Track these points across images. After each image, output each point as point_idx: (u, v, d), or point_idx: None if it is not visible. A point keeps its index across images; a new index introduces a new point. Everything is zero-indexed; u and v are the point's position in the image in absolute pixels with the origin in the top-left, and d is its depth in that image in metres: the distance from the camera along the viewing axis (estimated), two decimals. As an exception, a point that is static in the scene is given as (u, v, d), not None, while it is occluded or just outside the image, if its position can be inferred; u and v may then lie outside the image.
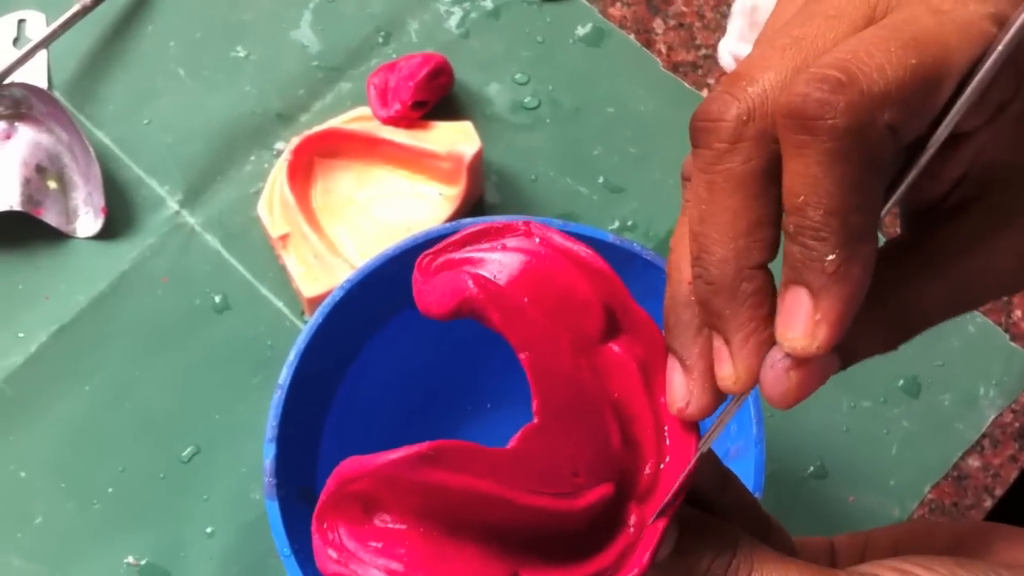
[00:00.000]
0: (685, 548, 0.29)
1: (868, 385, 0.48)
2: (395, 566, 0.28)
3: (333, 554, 0.28)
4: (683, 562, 0.29)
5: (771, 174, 0.24)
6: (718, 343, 0.26)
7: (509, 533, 0.28)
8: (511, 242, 0.31)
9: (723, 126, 0.24)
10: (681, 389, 0.28)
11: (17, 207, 0.50)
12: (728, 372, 0.26)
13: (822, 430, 0.48)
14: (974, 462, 0.47)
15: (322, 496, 0.29)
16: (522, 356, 0.28)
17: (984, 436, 0.48)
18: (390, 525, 0.28)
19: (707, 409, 0.27)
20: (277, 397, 0.38)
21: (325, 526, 0.29)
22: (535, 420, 0.29)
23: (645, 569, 0.28)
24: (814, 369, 0.25)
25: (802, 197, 0.23)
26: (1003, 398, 0.48)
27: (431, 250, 0.31)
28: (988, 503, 0.47)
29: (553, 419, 0.29)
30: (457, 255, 0.31)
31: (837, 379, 0.49)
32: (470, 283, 0.29)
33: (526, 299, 0.29)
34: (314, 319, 0.39)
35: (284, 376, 0.38)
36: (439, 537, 0.28)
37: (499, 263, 0.30)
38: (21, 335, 0.49)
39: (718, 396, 0.27)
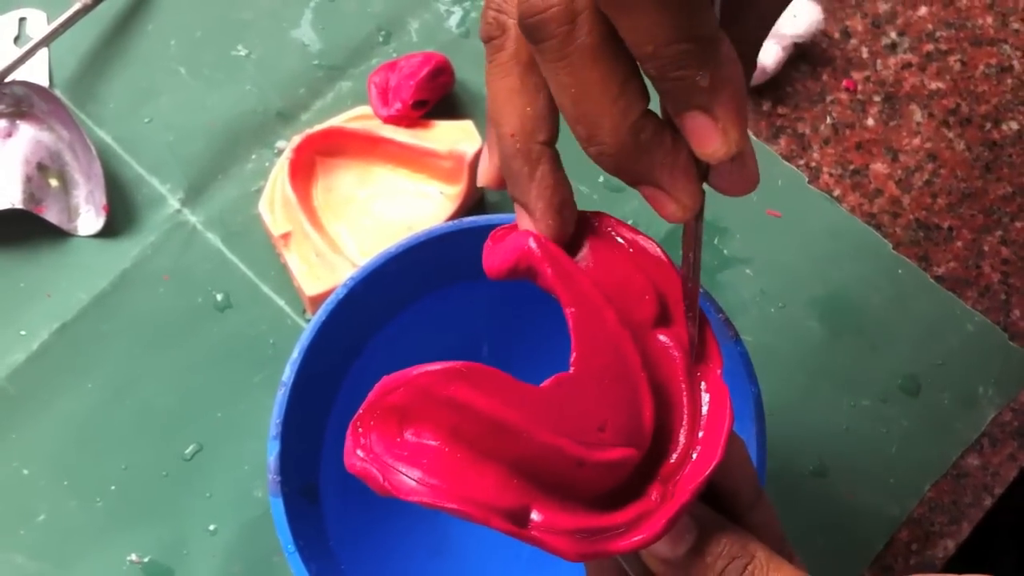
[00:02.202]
0: (703, 548, 0.29)
1: (868, 384, 0.49)
2: (414, 473, 0.29)
3: (360, 453, 0.29)
4: (700, 561, 0.29)
5: (614, 34, 0.25)
6: (650, 191, 0.28)
7: (530, 470, 0.29)
8: (582, 226, 0.32)
9: (555, 11, 0.25)
10: (530, 229, 0.30)
11: (18, 205, 0.50)
12: (689, 191, 0.28)
13: (822, 429, 0.48)
14: (973, 461, 0.48)
15: (362, 404, 0.30)
16: (568, 311, 0.30)
17: (983, 435, 0.48)
18: (419, 439, 0.29)
19: (555, 239, 0.30)
20: (281, 394, 0.38)
21: (360, 430, 0.30)
22: (571, 370, 0.30)
23: (659, 534, 0.29)
24: (743, 155, 0.27)
25: (651, 46, 0.24)
26: (1002, 397, 0.49)
27: (506, 225, 0.33)
28: (988, 502, 0.47)
29: (588, 374, 0.30)
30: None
31: (837, 379, 0.49)
32: (531, 241, 0.30)
33: (585, 275, 0.31)
34: (317, 317, 0.39)
35: (288, 374, 0.38)
36: (463, 458, 0.29)
37: (568, 244, 0.31)
38: (23, 333, 0.49)
39: (562, 230, 0.30)
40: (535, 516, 0.29)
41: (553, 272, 0.30)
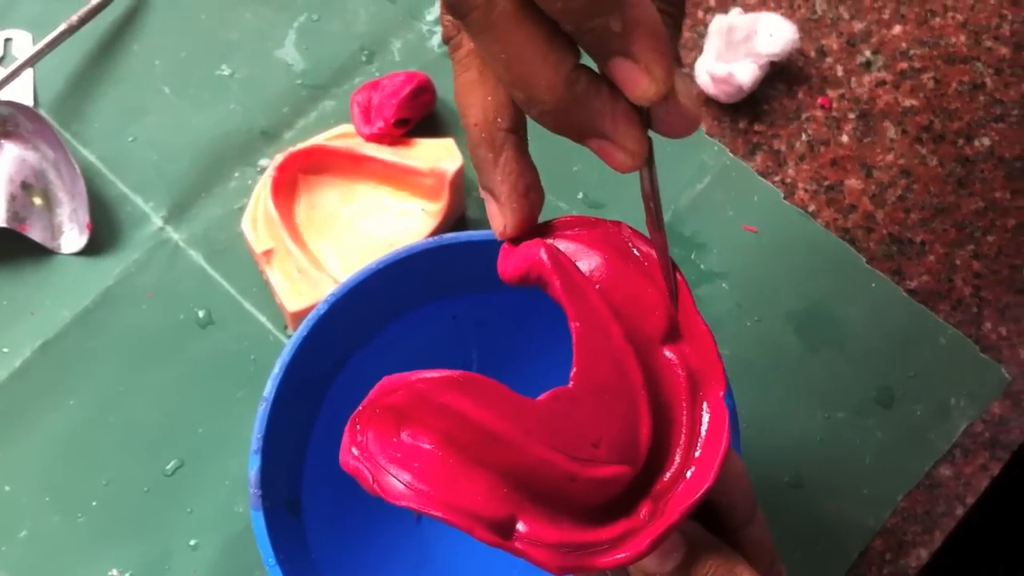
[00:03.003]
0: (689, 567, 0.30)
1: (842, 396, 0.49)
2: (405, 476, 0.29)
3: (355, 451, 0.30)
4: None
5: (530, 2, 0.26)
6: (596, 143, 0.28)
7: (521, 480, 0.29)
8: (598, 236, 0.32)
9: None
10: (497, 217, 0.31)
11: (2, 223, 0.50)
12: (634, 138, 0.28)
13: (797, 441, 0.48)
14: (946, 471, 0.48)
15: (363, 401, 0.30)
16: (573, 325, 0.30)
17: (956, 446, 0.49)
18: (414, 441, 0.30)
19: (521, 225, 0.31)
20: (262, 409, 0.39)
21: (357, 427, 0.30)
22: (570, 385, 0.30)
23: (643, 553, 0.29)
24: (676, 94, 0.28)
25: (559, 2, 0.25)
26: (974, 408, 0.49)
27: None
28: (960, 511, 0.48)
29: (587, 390, 0.30)
30: (546, 236, 0.33)
31: (812, 391, 0.50)
32: (543, 252, 0.31)
33: (597, 286, 0.31)
34: (299, 332, 0.40)
35: (269, 389, 0.39)
36: (455, 464, 0.29)
37: (581, 251, 0.32)
38: (6, 350, 0.50)
39: (528, 213, 0.31)
40: (520, 527, 0.29)
41: (561, 284, 0.30)
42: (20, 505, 0.47)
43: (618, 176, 0.54)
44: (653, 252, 0.32)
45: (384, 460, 0.29)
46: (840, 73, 0.57)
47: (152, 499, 0.47)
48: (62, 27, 0.54)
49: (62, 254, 0.52)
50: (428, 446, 0.29)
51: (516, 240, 0.32)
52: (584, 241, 0.32)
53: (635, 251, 0.32)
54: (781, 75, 0.57)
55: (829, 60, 0.57)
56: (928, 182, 0.55)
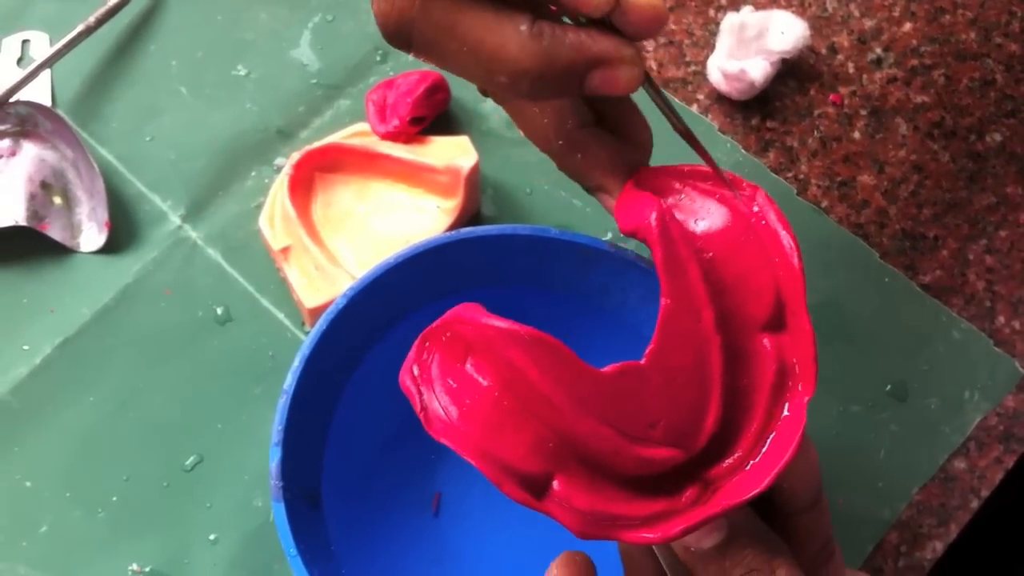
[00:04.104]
0: (726, 550, 0.29)
1: (857, 390, 0.50)
2: (452, 410, 0.28)
3: (415, 370, 0.29)
4: (719, 563, 0.29)
5: None
6: (596, 76, 0.29)
7: (569, 442, 0.28)
8: (730, 198, 0.31)
9: (397, 10, 0.28)
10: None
11: (22, 222, 0.51)
12: None
13: (812, 434, 0.49)
14: (960, 464, 0.49)
15: (435, 322, 0.30)
16: (663, 301, 0.29)
17: (970, 439, 0.49)
18: (476, 375, 0.29)
19: None
20: (282, 402, 0.39)
21: (427, 345, 0.30)
22: (643, 361, 0.29)
23: (672, 537, 0.28)
24: None
25: None
26: (988, 402, 0.50)
27: (656, 167, 0.32)
28: (974, 504, 0.48)
29: (659, 371, 0.29)
30: (676, 182, 0.31)
31: (827, 385, 0.50)
32: (653, 216, 0.30)
33: (709, 254, 0.29)
34: (318, 326, 0.40)
35: (289, 381, 0.39)
36: (508, 410, 0.28)
37: (704, 210, 0.30)
38: (26, 348, 0.50)
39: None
40: (556, 485, 0.28)
41: (662, 255, 0.29)
42: (41, 500, 0.47)
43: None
44: (781, 232, 0.30)
45: (440, 388, 0.29)
46: (851, 70, 0.57)
47: (171, 494, 0.47)
48: (79, 28, 0.55)
49: (81, 252, 0.52)
50: (487, 383, 0.28)
51: (639, 184, 0.32)
52: (712, 196, 0.30)
53: (761, 223, 0.30)
54: (793, 72, 0.57)
55: (840, 57, 0.58)
56: (940, 178, 0.55)
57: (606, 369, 0.29)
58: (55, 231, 0.52)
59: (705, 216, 0.30)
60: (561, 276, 0.42)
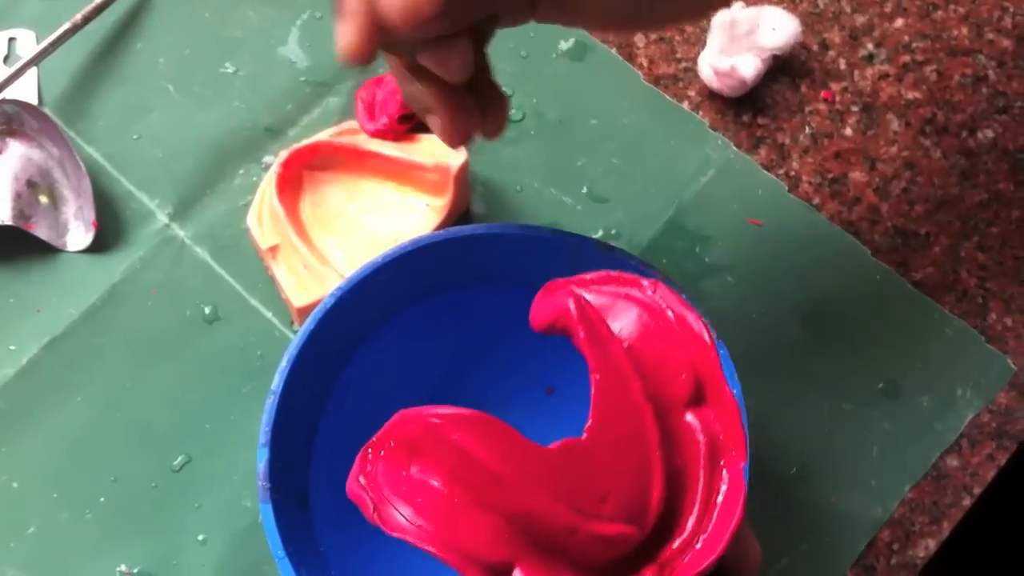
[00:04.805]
0: None
1: (849, 388, 0.49)
2: (406, 510, 0.29)
3: (362, 480, 0.30)
4: None
5: None
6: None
7: (525, 527, 0.29)
8: (634, 293, 0.33)
9: None
10: (343, 35, 0.31)
11: (8, 221, 0.50)
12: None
13: (804, 433, 0.49)
14: (953, 462, 0.48)
15: (377, 433, 0.31)
16: (593, 377, 0.30)
17: (962, 436, 0.49)
18: (423, 476, 0.30)
19: (362, 49, 0.31)
20: (270, 402, 0.39)
21: (369, 455, 0.31)
22: (583, 436, 0.30)
23: None
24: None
25: None
26: (980, 399, 0.49)
27: (561, 279, 0.34)
28: (967, 501, 0.48)
29: (601, 444, 0.30)
30: (579, 289, 0.33)
31: (818, 383, 0.50)
32: (571, 302, 0.31)
33: (625, 343, 0.31)
34: (306, 325, 0.40)
35: (276, 382, 0.39)
36: (460, 504, 0.29)
37: (614, 307, 0.32)
38: (13, 348, 0.50)
39: (372, 40, 0.31)
40: (516, 574, 0.29)
41: (586, 335, 0.30)
42: (28, 502, 0.47)
43: (621, 171, 0.54)
44: (687, 315, 0.32)
45: (389, 492, 0.30)
46: (843, 66, 0.57)
47: (160, 495, 0.47)
48: (66, 26, 0.54)
49: (68, 252, 0.52)
50: (436, 483, 0.29)
51: (549, 291, 0.33)
52: (618, 297, 0.33)
53: (669, 312, 0.32)
54: (784, 69, 0.57)
55: (832, 53, 0.57)
56: (932, 174, 0.55)
57: (552, 446, 0.29)
58: (41, 230, 0.51)
59: (616, 312, 0.32)
60: (550, 276, 0.42)
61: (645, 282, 0.33)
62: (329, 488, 0.42)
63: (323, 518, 0.41)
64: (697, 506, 0.30)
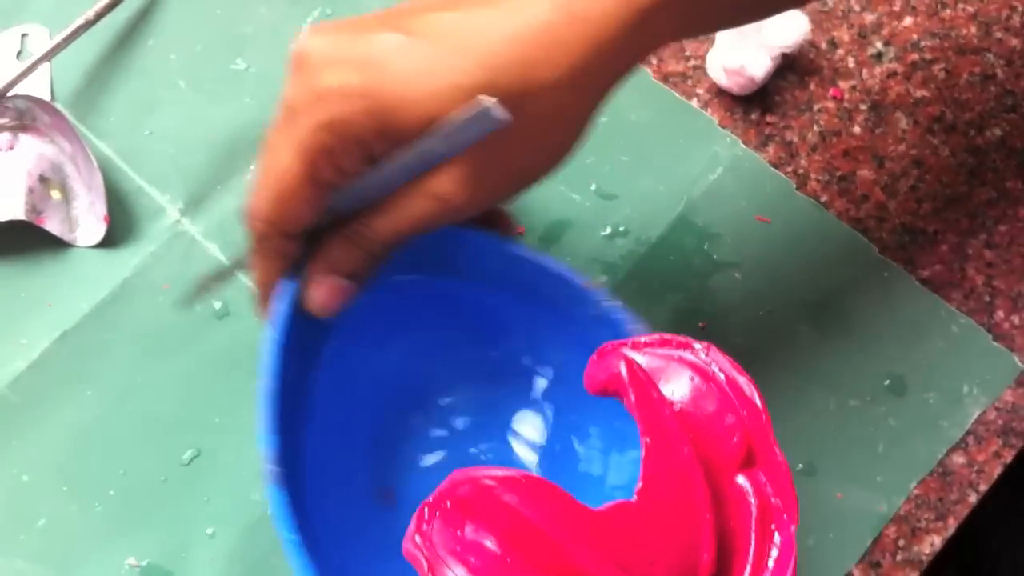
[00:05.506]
0: None
1: (855, 385, 0.49)
2: (460, 572, 0.29)
3: (418, 539, 0.31)
4: None
5: None
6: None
7: None
8: (687, 356, 0.33)
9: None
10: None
11: (20, 216, 0.51)
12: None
13: (810, 429, 0.49)
14: (959, 458, 0.49)
15: (433, 492, 0.31)
16: (643, 440, 0.30)
17: (968, 433, 0.49)
18: (476, 537, 0.30)
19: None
20: (266, 386, 0.38)
21: (426, 514, 0.31)
22: (633, 499, 0.30)
23: None
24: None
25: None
26: (987, 396, 0.49)
27: (617, 341, 0.34)
28: (973, 498, 0.48)
29: (651, 507, 0.30)
30: (632, 352, 0.34)
31: (825, 379, 0.50)
32: (622, 366, 0.32)
33: (676, 406, 0.32)
34: (280, 305, 0.39)
35: (268, 360, 0.38)
36: (513, 566, 0.29)
37: (665, 369, 0.33)
38: (24, 342, 0.50)
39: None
40: None
41: (637, 399, 0.31)
42: (38, 495, 0.47)
43: (630, 169, 0.55)
44: (738, 378, 0.32)
45: (444, 552, 0.30)
46: (851, 64, 0.57)
47: (169, 488, 0.47)
48: (78, 22, 0.55)
49: (79, 246, 0.52)
50: (489, 543, 0.30)
51: (601, 355, 0.34)
52: (671, 360, 0.33)
53: (720, 375, 0.33)
54: (793, 67, 0.57)
55: (840, 52, 0.57)
56: (940, 172, 0.55)
57: (601, 508, 0.30)
58: (53, 225, 0.52)
59: (669, 375, 0.33)
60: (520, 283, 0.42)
61: (697, 345, 0.34)
62: (321, 481, 0.42)
63: (319, 513, 0.41)
64: (749, 569, 0.30)
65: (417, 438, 0.46)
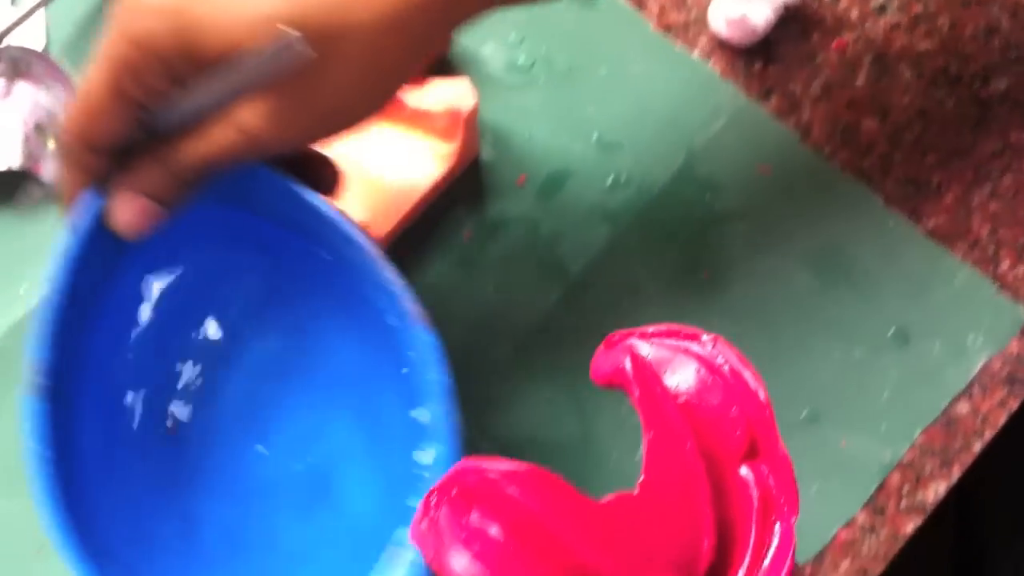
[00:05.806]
0: None
1: (859, 334, 0.49)
2: (464, 555, 0.30)
3: (424, 526, 0.32)
4: None
5: None
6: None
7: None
8: (693, 347, 0.34)
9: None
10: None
11: (17, 165, 0.50)
12: None
13: (814, 378, 0.48)
14: (963, 408, 0.48)
15: (439, 480, 0.32)
16: (646, 435, 0.31)
17: (973, 382, 0.49)
18: (481, 525, 0.31)
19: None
20: (46, 297, 0.38)
21: (433, 501, 0.32)
22: (636, 491, 0.31)
23: None
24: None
25: None
26: (991, 346, 0.49)
27: (625, 331, 0.35)
28: (977, 447, 0.47)
29: (652, 499, 0.31)
30: (640, 341, 0.34)
31: (829, 329, 0.50)
32: (627, 362, 0.33)
33: (681, 398, 0.32)
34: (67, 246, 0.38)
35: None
36: (515, 555, 0.30)
37: (673, 361, 0.33)
38: (22, 292, 0.50)
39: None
40: None
41: (641, 394, 0.32)
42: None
43: (632, 116, 0.54)
44: (744, 372, 0.33)
45: (449, 538, 0.31)
46: (854, 16, 0.57)
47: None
48: (73, -30, 0.54)
49: (76, 196, 0.51)
50: (493, 531, 0.30)
51: (608, 345, 0.34)
52: (678, 351, 0.34)
53: (726, 368, 0.33)
54: (795, 18, 0.56)
55: (843, 3, 0.57)
56: (945, 124, 0.54)
57: (603, 500, 0.30)
58: (49, 173, 0.51)
59: (675, 366, 0.33)
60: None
61: (704, 336, 0.34)
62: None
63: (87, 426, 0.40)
64: (748, 559, 0.31)
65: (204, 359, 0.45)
